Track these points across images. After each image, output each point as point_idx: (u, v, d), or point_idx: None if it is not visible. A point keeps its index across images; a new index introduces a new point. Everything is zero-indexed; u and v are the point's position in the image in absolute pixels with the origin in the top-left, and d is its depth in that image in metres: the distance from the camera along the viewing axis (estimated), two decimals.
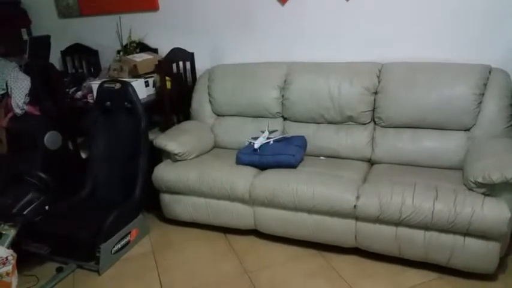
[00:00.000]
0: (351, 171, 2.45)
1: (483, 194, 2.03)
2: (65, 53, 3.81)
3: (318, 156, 2.74)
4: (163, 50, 3.19)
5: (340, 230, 2.29)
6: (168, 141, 2.68)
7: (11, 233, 1.90)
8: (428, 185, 2.17)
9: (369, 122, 2.71)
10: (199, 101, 3.13)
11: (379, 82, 2.66)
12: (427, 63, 2.60)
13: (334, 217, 2.28)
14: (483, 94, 2.42)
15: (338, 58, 2.85)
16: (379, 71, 2.69)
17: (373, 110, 2.68)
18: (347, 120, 2.73)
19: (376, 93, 2.66)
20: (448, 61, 2.57)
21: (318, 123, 2.81)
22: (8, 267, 1.84)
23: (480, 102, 2.41)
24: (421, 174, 2.33)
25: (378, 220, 2.17)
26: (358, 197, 2.21)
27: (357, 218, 2.24)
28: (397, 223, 2.14)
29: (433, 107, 2.46)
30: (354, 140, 2.68)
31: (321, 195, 2.26)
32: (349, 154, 2.68)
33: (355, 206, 2.20)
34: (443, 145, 2.47)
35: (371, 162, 2.66)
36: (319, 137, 2.76)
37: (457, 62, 2.55)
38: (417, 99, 2.50)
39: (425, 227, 2.09)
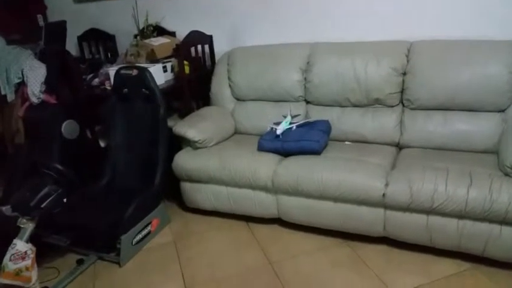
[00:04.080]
0: (379, 157, 2.34)
1: None
2: (81, 39, 3.75)
3: (343, 141, 2.63)
4: (181, 33, 3.08)
5: (368, 219, 2.20)
6: (188, 128, 2.61)
7: (29, 226, 1.87)
8: (462, 170, 2.06)
9: (397, 105, 2.58)
10: (219, 86, 3.04)
11: (407, 62, 2.52)
12: (460, 41, 2.45)
13: (361, 206, 2.19)
14: None
15: (364, 37, 2.70)
16: (408, 50, 2.55)
17: (402, 91, 2.54)
18: (374, 102, 2.60)
19: (404, 73, 2.52)
20: (481, 38, 2.41)
21: (343, 106, 2.69)
22: (27, 262, 1.82)
23: None
24: (453, 159, 2.21)
25: (408, 208, 2.07)
26: (387, 185, 2.10)
27: (386, 207, 2.13)
28: (429, 211, 2.03)
29: (465, 88, 2.34)
30: (381, 123, 2.56)
31: (347, 183, 2.17)
32: (376, 138, 2.57)
33: (384, 194, 2.09)
34: (476, 128, 2.35)
35: (399, 147, 2.54)
36: (344, 121, 2.65)
37: (491, 39, 2.38)
38: (449, 79, 2.37)
39: (459, 215, 1.98)
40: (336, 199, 2.23)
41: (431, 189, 1.99)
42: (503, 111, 2.31)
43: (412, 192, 2.02)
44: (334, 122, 2.65)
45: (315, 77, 2.69)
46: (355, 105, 2.66)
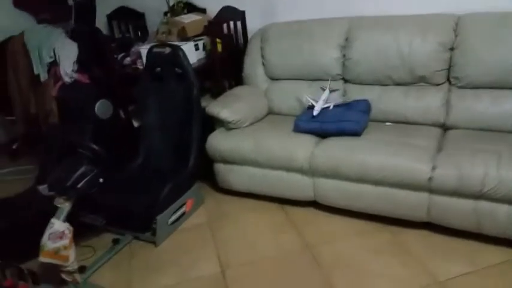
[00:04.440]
0: (423, 139, 2.22)
1: None
2: (110, 17, 3.70)
3: (384, 122, 2.50)
4: (212, 10, 3.00)
5: (411, 203, 2.10)
6: (221, 108, 2.54)
7: (66, 206, 1.87)
8: None
9: (443, 83, 2.43)
10: (252, 64, 2.93)
11: (455, 36, 2.35)
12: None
13: (404, 189, 2.08)
14: None
15: (407, 10, 2.53)
16: (456, 24, 2.37)
17: (449, 68, 2.38)
18: (418, 80, 2.45)
19: (452, 49, 2.36)
20: None
21: (384, 85, 2.55)
22: (65, 241, 1.82)
23: None
24: (504, 141, 2.07)
25: (455, 193, 1.96)
26: (434, 168, 1.99)
27: (431, 191, 2.02)
28: (478, 196, 1.92)
29: None
30: (425, 103, 2.42)
31: (390, 166, 2.06)
32: (420, 119, 2.43)
33: (430, 178, 1.98)
34: None
35: (444, 128, 2.40)
36: (385, 101, 2.51)
37: None
38: (501, 55, 2.21)
39: (510, 200, 1.86)
40: (376, 182, 2.13)
41: (482, 173, 1.87)
42: None
43: (461, 176, 1.90)
44: (375, 102, 2.52)
45: (355, 53, 2.55)
46: (397, 84, 2.51)
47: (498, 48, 2.21)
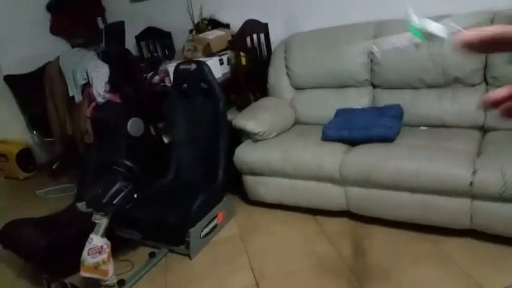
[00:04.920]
0: (461, 142, 2.11)
1: None
2: (138, 38, 3.81)
3: (417, 126, 2.40)
4: (235, 25, 3.01)
5: (452, 210, 1.98)
6: (247, 120, 2.53)
7: (103, 222, 1.92)
8: None
9: (480, 83, 2.31)
10: (276, 75, 2.91)
11: None
12: None
13: (443, 196, 1.97)
14: None
15: (437, 11, 2.43)
16: (491, 22, 2.25)
17: (485, 67, 2.27)
18: (452, 82, 2.35)
19: None
20: None
21: (416, 88, 2.46)
22: (104, 256, 1.86)
23: None
24: None
25: (500, 198, 1.83)
26: (474, 172, 1.88)
27: (474, 197, 1.91)
28: None
29: None
30: (461, 105, 2.31)
31: (427, 172, 1.96)
32: (456, 122, 2.32)
33: (471, 183, 1.87)
34: None
35: (483, 130, 2.28)
36: (418, 104, 2.42)
37: None
38: None
39: None
40: (413, 190, 2.04)
41: None
42: None
43: (506, 180, 1.79)
44: (406, 106, 2.43)
45: (384, 58, 2.47)
46: (430, 86, 2.41)
47: None
